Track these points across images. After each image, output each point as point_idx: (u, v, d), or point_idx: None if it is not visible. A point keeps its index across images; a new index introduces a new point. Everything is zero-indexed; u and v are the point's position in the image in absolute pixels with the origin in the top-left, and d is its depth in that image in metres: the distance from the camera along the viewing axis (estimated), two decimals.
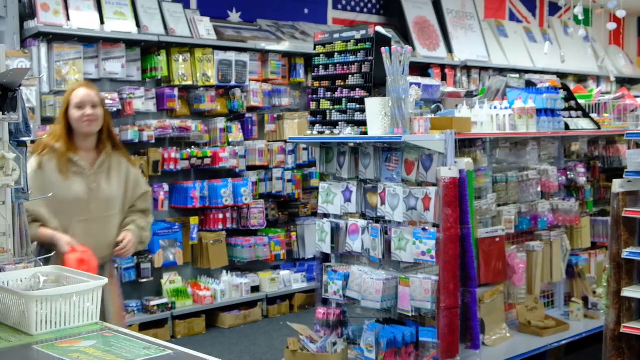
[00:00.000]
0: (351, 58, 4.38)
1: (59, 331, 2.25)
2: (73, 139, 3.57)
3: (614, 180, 3.97)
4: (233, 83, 6.53)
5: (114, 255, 3.67)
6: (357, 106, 4.32)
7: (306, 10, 7.81)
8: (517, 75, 6.21)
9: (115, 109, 5.76)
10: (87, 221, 3.55)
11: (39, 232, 3.48)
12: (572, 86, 6.68)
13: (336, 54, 4.46)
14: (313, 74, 4.61)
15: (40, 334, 2.22)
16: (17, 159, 2.63)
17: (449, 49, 8.47)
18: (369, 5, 8.39)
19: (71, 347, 2.09)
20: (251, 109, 6.80)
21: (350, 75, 4.37)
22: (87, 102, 3.53)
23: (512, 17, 9.93)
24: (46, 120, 5.49)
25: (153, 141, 5.99)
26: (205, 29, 6.42)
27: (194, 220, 6.39)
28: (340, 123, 4.40)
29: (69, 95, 3.57)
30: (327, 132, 4.48)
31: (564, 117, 5.17)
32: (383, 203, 4.22)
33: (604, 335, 4.05)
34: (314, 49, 4.61)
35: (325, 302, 4.52)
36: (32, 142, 5.20)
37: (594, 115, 5.64)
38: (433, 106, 4.66)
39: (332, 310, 4.41)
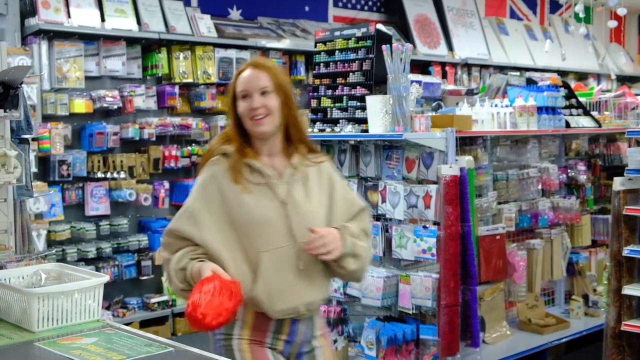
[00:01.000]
0: (352, 56, 4.38)
1: (60, 328, 2.26)
2: (250, 140, 2.60)
3: (615, 178, 3.97)
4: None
5: (322, 301, 2.65)
6: (358, 104, 4.32)
7: (307, 8, 7.80)
8: (518, 73, 6.20)
9: (116, 107, 5.76)
10: (279, 251, 2.49)
11: (194, 269, 2.40)
12: (572, 84, 6.68)
13: (337, 51, 4.46)
14: (314, 71, 4.61)
15: (42, 331, 2.23)
16: (18, 156, 2.63)
17: (450, 47, 8.47)
18: (370, 3, 8.39)
19: (73, 344, 2.10)
20: None
21: (351, 73, 4.37)
22: (254, 89, 2.50)
23: (513, 15, 9.92)
24: (47, 118, 5.50)
25: (154, 139, 5.99)
26: (205, 26, 6.41)
27: None
28: (340, 121, 4.40)
29: (234, 80, 2.59)
30: (328, 129, 4.49)
31: (565, 115, 5.17)
32: (384, 201, 4.22)
33: (604, 333, 4.06)
34: (315, 46, 4.61)
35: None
36: (34, 139, 5.24)
37: (594, 113, 5.64)
38: (434, 104, 4.66)
39: (332, 308, 4.41)
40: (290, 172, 2.57)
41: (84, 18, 5.69)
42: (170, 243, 2.52)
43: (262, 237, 2.46)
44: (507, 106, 4.72)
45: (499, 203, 4.79)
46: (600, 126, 5.45)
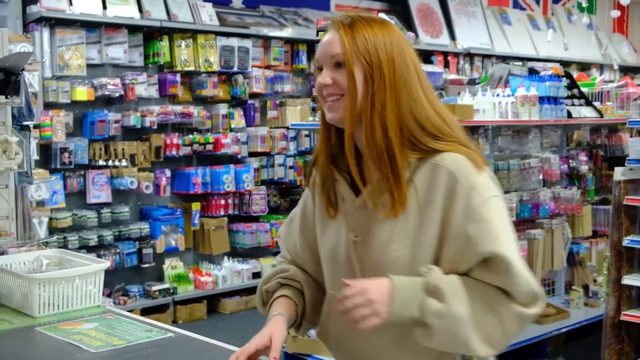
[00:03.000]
0: None
1: (61, 313, 2.27)
2: (340, 139, 1.75)
3: (616, 168, 3.97)
4: (235, 69, 6.52)
5: None
6: None
7: None
8: (520, 63, 6.18)
9: (117, 95, 5.76)
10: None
11: (271, 309, 1.86)
12: (575, 74, 6.67)
13: None
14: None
15: (43, 316, 2.24)
16: (19, 143, 2.64)
17: (452, 36, 8.45)
18: None
19: (73, 329, 2.11)
20: (253, 95, 6.80)
21: None
22: (326, 57, 1.72)
23: (516, 5, 9.89)
24: (49, 106, 5.50)
25: (155, 127, 5.99)
26: (207, 14, 6.41)
27: (195, 206, 6.40)
28: None
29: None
30: None
31: (567, 105, 5.16)
32: None
33: (603, 323, 4.06)
34: (317, 35, 4.60)
35: None
36: (36, 126, 5.25)
37: (596, 104, 5.63)
38: (435, 93, 4.65)
39: None
40: (369, 191, 1.70)
41: (86, 5, 5.69)
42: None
43: (327, 275, 1.86)
44: (509, 96, 4.72)
45: None
46: (602, 116, 5.45)
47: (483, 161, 1.69)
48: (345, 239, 1.76)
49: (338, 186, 1.77)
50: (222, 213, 6.51)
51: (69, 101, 5.58)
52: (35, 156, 5.31)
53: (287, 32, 6.95)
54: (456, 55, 8.40)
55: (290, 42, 7.03)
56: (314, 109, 4.57)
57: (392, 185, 1.65)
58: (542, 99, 4.86)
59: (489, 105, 4.62)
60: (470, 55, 8.54)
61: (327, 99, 1.71)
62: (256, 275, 6.67)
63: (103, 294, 2.41)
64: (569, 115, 5.11)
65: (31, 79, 5.17)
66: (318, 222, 1.85)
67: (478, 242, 1.59)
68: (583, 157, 5.56)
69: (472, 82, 5.37)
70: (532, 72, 5.34)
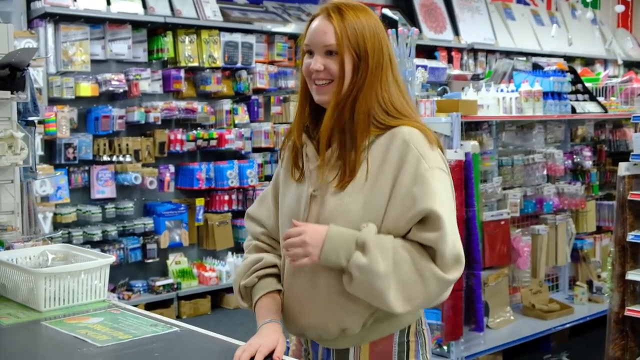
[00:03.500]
0: None
1: (67, 308, 2.28)
2: (314, 113, 1.96)
3: (620, 164, 3.96)
4: (239, 65, 6.53)
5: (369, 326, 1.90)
6: None
7: None
8: (524, 58, 6.18)
9: (121, 90, 5.77)
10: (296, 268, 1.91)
11: (258, 309, 1.98)
12: (579, 69, 6.66)
13: None
14: None
15: (49, 310, 2.25)
16: (25, 138, 2.65)
17: (456, 32, 8.44)
18: None
19: (79, 323, 2.12)
20: (257, 91, 6.80)
21: None
22: (318, 44, 1.87)
23: (520, 0, 9.87)
24: (53, 101, 5.51)
25: (159, 122, 6.00)
26: (211, 10, 6.41)
27: (199, 202, 6.41)
28: None
29: (307, 25, 1.93)
30: None
31: (571, 100, 5.16)
32: None
33: (607, 318, 4.06)
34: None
35: None
36: (40, 122, 5.26)
37: (600, 99, 5.62)
38: (439, 89, 4.66)
39: None
40: (331, 152, 1.88)
41: (90, 1, 5.69)
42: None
43: (283, 232, 1.95)
44: (512, 91, 4.72)
45: (504, 188, 4.80)
46: (606, 112, 5.44)
47: (436, 140, 1.89)
48: (305, 195, 1.92)
49: (305, 149, 1.94)
50: (226, 209, 6.52)
51: (73, 97, 5.59)
52: (39, 152, 5.33)
53: (291, 28, 6.95)
54: (460, 50, 8.39)
55: (294, 37, 7.03)
56: None
57: (347, 160, 1.85)
58: (546, 95, 4.85)
59: (493, 100, 4.62)
60: (474, 51, 8.53)
61: (317, 82, 1.88)
62: None
63: (107, 289, 2.41)
64: (573, 110, 5.11)
65: (35, 75, 5.18)
66: (282, 185, 2.02)
67: (419, 200, 1.78)
68: (587, 153, 5.55)
69: (475, 77, 5.36)
70: (536, 67, 5.34)
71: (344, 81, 1.85)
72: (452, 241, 1.78)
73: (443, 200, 1.79)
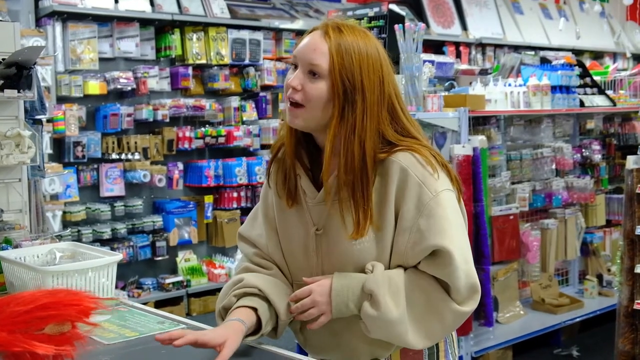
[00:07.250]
0: None
1: None
2: (307, 136, 1.85)
3: (628, 157, 3.94)
4: (247, 62, 6.53)
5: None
6: None
7: None
8: (532, 52, 6.16)
9: (129, 88, 5.79)
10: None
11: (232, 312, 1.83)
12: (587, 63, 6.63)
13: None
14: None
15: None
16: (32, 137, 2.66)
17: (464, 27, 8.41)
18: None
19: None
20: (265, 88, 6.80)
21: None
22: (304, 60, 1.74)
23: None
24: (61, 100, 5.53)
25: (167, 120, 6.01)
26: (218, 7, 6.41)
27: (208, 199, 6.42)
28: None
29: (300, 39, 1.82)
30: None
31: (579, 94, 5.14)
32: None
33: (617, 312, 4.05)
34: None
35: None
36: (49, 121, 5.28)
37: (609, 92, 5.60)
38: (447, 84, 4.65)
39: None
40: (333, 187, 1.76)
41: None
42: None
43: (291, 267, 1.91)
44: (520, 85, 4.70)
45: (513, 183, 4.79)
46: (615, 105, 5.42)
47: (437, 159, 1.77)
48: (307, 232, 1.83)
49: (299, 181, 1.84)
50: (234, 206, 6.53)
51: (81, 95, 5.60)
52: (48, 150, 5.35)
53: (299, 24, 6.94)
54: (468, 45, 8.36)
55: (302, 34, 7.00)
56: None
57: (359, 207, 1.73)
58: (554, 88, 4.84)
59: (501, 95, 4.61)
60: (482, 45, 8.50)
61: (289, 100, 1.76)
62: None
63: (117, 287, 2.42)
64: (582, 104, 5.09)
65: (44, 73, 5.20)
66: (276, 208, 1.91)
67: (427, 236, 1.69)
68: (596, 146, 5.53)
69: (484, 72, 5.35)
70: (544, 61, 5.32)
71: (319, 112, 1.72)
72: (464, 273, 1.72)
73: (452, 233, 1.71)
